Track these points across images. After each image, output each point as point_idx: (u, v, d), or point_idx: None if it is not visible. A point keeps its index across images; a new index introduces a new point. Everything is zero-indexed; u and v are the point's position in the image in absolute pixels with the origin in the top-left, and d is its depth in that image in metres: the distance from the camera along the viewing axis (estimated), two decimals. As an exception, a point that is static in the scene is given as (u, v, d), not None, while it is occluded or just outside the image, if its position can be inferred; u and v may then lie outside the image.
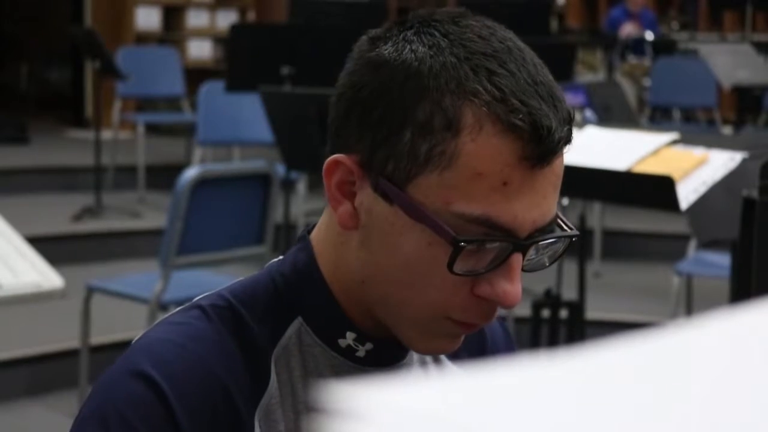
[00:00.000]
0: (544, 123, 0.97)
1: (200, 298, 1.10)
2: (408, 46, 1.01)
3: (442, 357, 1.20)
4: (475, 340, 1.23)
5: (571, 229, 1.07)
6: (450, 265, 0.99)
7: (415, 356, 1.16)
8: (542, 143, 0.97)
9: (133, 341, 1.08)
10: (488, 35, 1.01)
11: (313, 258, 1.10)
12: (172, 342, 1.05)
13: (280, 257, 1.14)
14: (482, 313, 1.03)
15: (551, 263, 1.08)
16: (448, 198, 0.98)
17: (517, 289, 1.01)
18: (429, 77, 0.99)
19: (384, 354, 1.11)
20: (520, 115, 0.97)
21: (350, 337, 1.09)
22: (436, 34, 1.01)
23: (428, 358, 1.19)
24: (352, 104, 1.03)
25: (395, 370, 1.13)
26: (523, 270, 1.04)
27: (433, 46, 1.00)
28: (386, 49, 1.02)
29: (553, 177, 1.01)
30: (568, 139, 1.00)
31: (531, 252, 1.04)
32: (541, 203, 1.00)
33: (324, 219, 1.11)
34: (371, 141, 1.02)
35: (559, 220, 1.06)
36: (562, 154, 1.01)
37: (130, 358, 1.05)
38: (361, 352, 1.10)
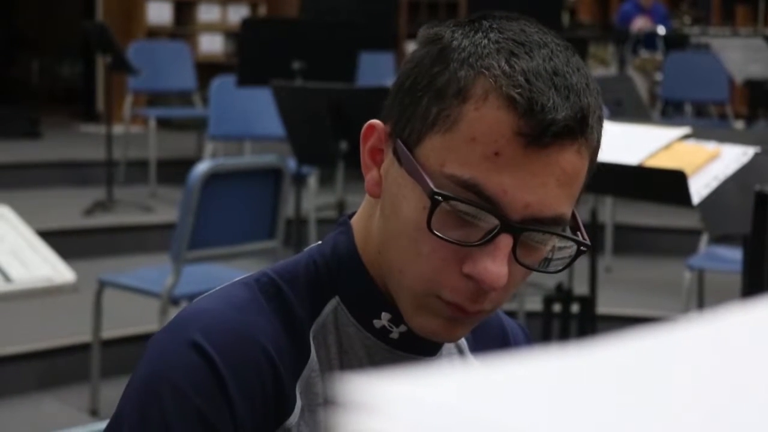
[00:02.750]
0: (541, 100, 0.98)
1: (244, 276, 1.14)
2: (451, 28, 1.06)
3: (467, 352, 1.21)
4: (497, 340, 1.25)
5: (584, 239, 1.06)
6: (428, 221, 1.00)
7: (444, 354, 1.17)
8: (534, 119, 0.98)
9: (179, 312, 1.10)
10: (532, 32, 1.04)
11: (351, 240, 1.13)
12: (220, 312, 1.08)
13: (319, 242, 1.17)
14: (470, 294, 1.02)
15: (556, 271, 1.06)
16: (444, 160, 1.01)
17: (499, 269, 1.00)
18: (456, 51, 1.03)
19: (417, 339, 1.11)
20: (519, 90, 0.99)
21: (385, 317, 1.11)
22: (485, 22, 1.05)
23: (454, 353, 1.20)
24: (398, 77, 1.09)
25: (425, 362, 1.14)
26: (525, 266, 1.03)
27: (472, 29, 1.05)
28: (433, 30, 1.07)
29: (555, 168, 1.00)
30: (568, 129, 0.99)
31: (541, 251, 1.03)
32: (537, 190, 0.99)
33: (365, 199, 1.14)
34: (399, 107, 1.06)
35: (578, 231, 1.06)
36: (570, 147, 1.00)
37: (180, 327, 1.07)
38: (395, 334, 1.11)
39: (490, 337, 1.25)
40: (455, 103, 1.01)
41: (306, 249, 1.17)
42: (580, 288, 3.86)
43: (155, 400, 1.03)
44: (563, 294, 3.77)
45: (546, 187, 1.00)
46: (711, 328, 0.40)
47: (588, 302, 3.73)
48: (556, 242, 1.04)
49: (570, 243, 1.05)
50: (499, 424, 0.34)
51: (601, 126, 1.05)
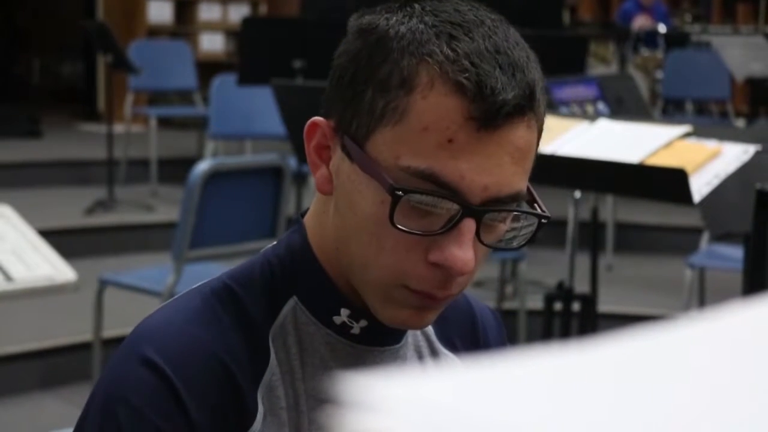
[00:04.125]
0: (489, 83, 0.98)
1: (199, 284, 1.12)
2: (386, 15, 1.05)
3: (437, 345, 1.21)
4: (468, 329, 1.24)
5: (543, 211, 1.06)
6: (391, 217, 0.99)
7: (410, 341, 1.17)
8: (485, 102, 0.98)
9: (134, 328, 1.09)
10: (465, 10, 1.03)
11: (305, 238, 1.12)
12: (172, 326, 1.07)
13: (274, 242, 1.16)
14: (438, 282, 1.02)
15: (519, 246, 1.06)
16: (398, 152, 1.00)
17: (466, 254, 1.00)
18: (394, 40, 1.02)
19: (379, 332, 1.11)
20: (466, 74, 0.98)
21: (344, 313, 1.10)
22: (416, 6, 1.04)
23: (423, 344, 1.19)
24: (334, 71, 1.08)
25: (390, 352, 1.13)
26: (488, 246, 1.03)
27: (406, 15, 1.03)
28: (366, 20, 1.06)
29: (509, 146, 1.00)
30: (522, 107, 0.99)
31: (501, 229, 1.04)
32: (494, 170, 0.99)
33: (314, 197, 1.13)
34: (342, 102, 1.05)
35: (535, 204, 1.06)
36: (520, 124, 1.00)
37: (132, 345, 1.06)
38: (355, 329, 1.10)
39: (459, 322, 1.24)
40: (401, 93, 1.00)
41: (261, 251, 1.16)
42: (581, 286, 3.85)
43: (113, 422, 1.03)
44: (564, 292, 3.77)
45: (502, 166, 1.00)
46: (712, 326, 0.40)
47: (589, 300, 3.72)
48: (519, 218, 1.05)
49: (533, 217, 1.05)
50: (499, 423, 0.34)
51: (545, 96, 1.04)
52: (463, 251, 1.00)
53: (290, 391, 1.09)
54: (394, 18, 1.04)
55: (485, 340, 1.26)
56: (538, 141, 1.04)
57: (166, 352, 1.04)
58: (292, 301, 1.11)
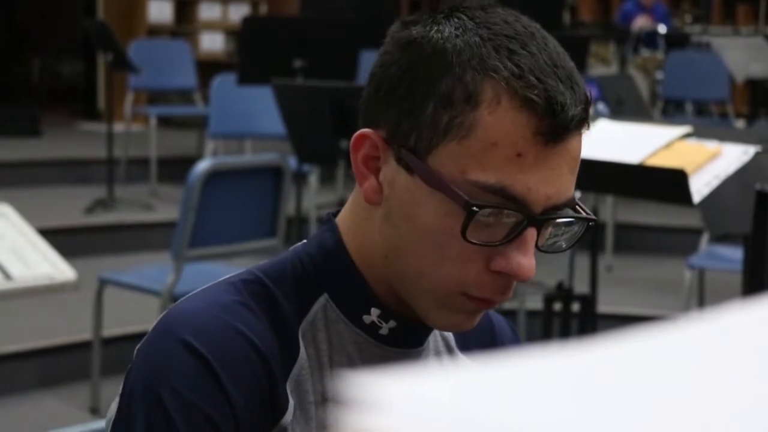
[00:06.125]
0: (559, 99, 1.01)
1: (229, 276, 1.13)
2: (435, 27, 1.06)
3: (455, 348, 1.22)
4: (485, 335, 1.26)
5: (588, 214, 1.09)
6: (463, 232, 1.01)
7: (430, 345, 1.18)
8: (556, 118, 1.01)
9: (162, 317, 1.09)
10: (513, 21, 1.06)
11: (339, 237, 1.13)
12: (206, 312, 1.07)
13: (304, 241, 1.17)
14: (498, 288, 1.05)
15: (568, 247, 1.10)
16: (465, 167, 1.02)
17: (531, 262, 1.04)
18: (453, 53, 1.03)
19: (406, 334, 1.13)
20: (536, 91, 1.00)
21: (374, 313, 1.12)
22: (464, 17, 1.06)
23: (442, 348, 1.21)
24: (381, 81, 1.08)
25: (413, 354, 1.15)
26: (540, 250, 1.07)
27: (459, 27, 1.05)
28: (415, 30, 1.07)
29: (568, 156, 1.03)
30: (583, 120, 1.03)
31: (548, 233, 1.07)
32: (556, 181, 1.03)
33: (350, 200, 1.15)
34: (396, 114, 1.06)
35: (577, 205, 1.09)
36: (578, 135, 1.04)
37: (167, 331, 1.06)
38: (384, 330, 1.12)
39: (478, 333, 1.25)
40: (467, 108, 1.02)
41: (291, 248, 1.16)
42: (581, 287, 3.85)
43: (160, 409, 1.03)
44: (564, 293, 3.77)
45: (562, 176, 1.04)
46: (711, 327, 0.40)
47: (588, 301, 3.72)
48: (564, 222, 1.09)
49: (578, 221, 1.08)
50: (500, 423, 0.34)
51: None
52: (527, 259, 1.03)
53: (319, 387, 1.10)
54: (447, 30, 1.05)
55: (501, 345, 1.28)
56: None
57: (202, 336, 1.04)
58: (323, 299, 1.12)
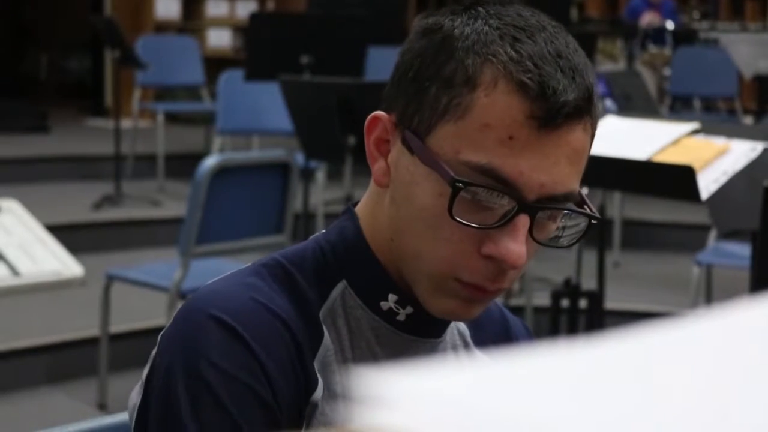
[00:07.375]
0: (551, 84, 1.02)
1: (252, 262, 1.14)
2: (451, 17, 1.09)
3: (471, 343, 1.24)
4: (501, 338, 1.27)
5: (592, 211, 1.09)
6: (450, 208, 1.02)
7: (447, 339, 1.19)
8: (547, 102, 1.01)
9: (186, 299, 1.10)
10: (528, 15, 1.07)
11: (357, 225, 1.15)
12: (230, 291, 1.09)
13: (323, 230, 1.19)
14: (490, 274, 1.06)
15: (571, 244, 1.10)
16: (459, 147, 1.04)
17: (520, 249, 1.04)
18: (459, 39, 1.06)
19: (423, 322, 1.14)
20: (530, 75, 1.02)
21: (392, 299, 1.13)
22: (480, 10, 1.08)
23: (459, 342, 1.22)
24: (397, 68, 1.11)
25: (430, 345, 1.16)
26: (541, 244, 1.07)
27: (471, 17, 1.07)
28: (431, 20, 1.10)
29: (565, 147, 1.04)
30: (580, 109, 1.03)
31: (551, 227, 1.07)
32: (551, 169, 1.03)
33: (368, 189, 1.16)
34: (405, 98, 1.08)
35: (585, 203, 1.09)
36: (577, 126, 1.04)
37: (194, 309, 1.07)
38: (401, 316, 1.13)
39: (493, 330, 1.27)
40: (465, 91, 1.04)
41: (311, 237, 1.18)
42: (588, 283, 3.85)
43: (200, 382, 1.04)
44: (571, 289, 3.77)
45: (558, 165, 1.04)
46: (719, 323, 0.40)
47: (596, 297, 3.72)
48: (567, 217, 1.08)
49: (580, 217, 1.08)
50: (515, 419, 0.34)
51: (600, 102, 1.08)
52: (517, 245, 1.04)
53: (344, 372, 1.11)
54: (459, 19, 1.08)
55: (516, 343, 1.29)
56: (591, 144, 1.08)
57: (230, 311, 1.06)
58: (342, 285, 1.13)
